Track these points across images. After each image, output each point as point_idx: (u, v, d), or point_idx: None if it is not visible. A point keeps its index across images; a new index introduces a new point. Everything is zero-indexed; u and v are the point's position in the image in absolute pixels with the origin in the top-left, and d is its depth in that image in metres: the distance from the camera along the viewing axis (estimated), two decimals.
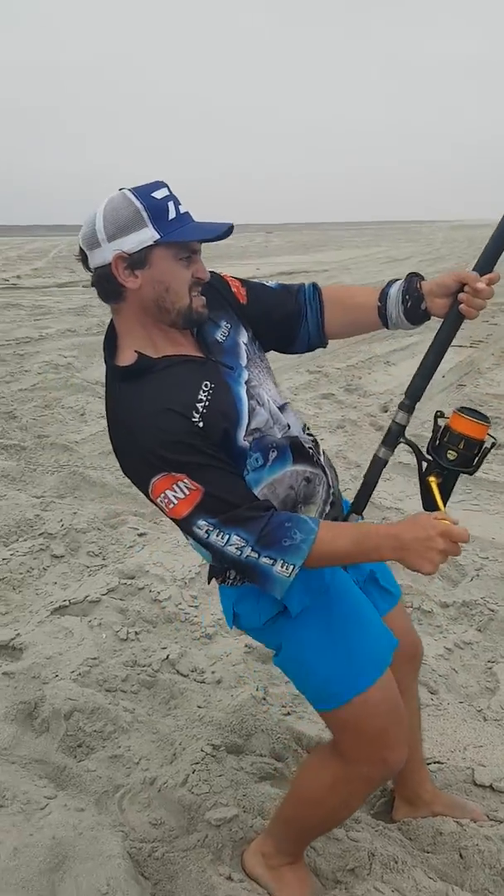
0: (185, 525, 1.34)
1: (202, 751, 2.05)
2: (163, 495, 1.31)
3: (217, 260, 19.84)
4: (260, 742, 2.15)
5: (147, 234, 1.29)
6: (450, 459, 1.37)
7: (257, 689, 2.33)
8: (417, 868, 1.73)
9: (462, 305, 1.40)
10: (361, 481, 1.51)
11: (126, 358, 1.38)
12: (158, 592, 2.88)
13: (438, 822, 1.86)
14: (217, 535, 1.31)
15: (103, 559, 3.25)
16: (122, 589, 2.92)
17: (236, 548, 1.31)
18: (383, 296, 1.50)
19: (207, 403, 1.32)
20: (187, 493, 1.29)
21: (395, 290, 1.49)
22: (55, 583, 3.04)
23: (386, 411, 5.70)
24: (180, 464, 1.28)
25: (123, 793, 1.95)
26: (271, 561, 1.31)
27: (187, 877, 1.70)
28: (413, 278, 1.49)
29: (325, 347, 1.66)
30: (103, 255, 1.31)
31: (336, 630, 1.46)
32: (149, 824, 1.85)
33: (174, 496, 1.30)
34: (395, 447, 1.48)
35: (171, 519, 1.35)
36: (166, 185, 1.34)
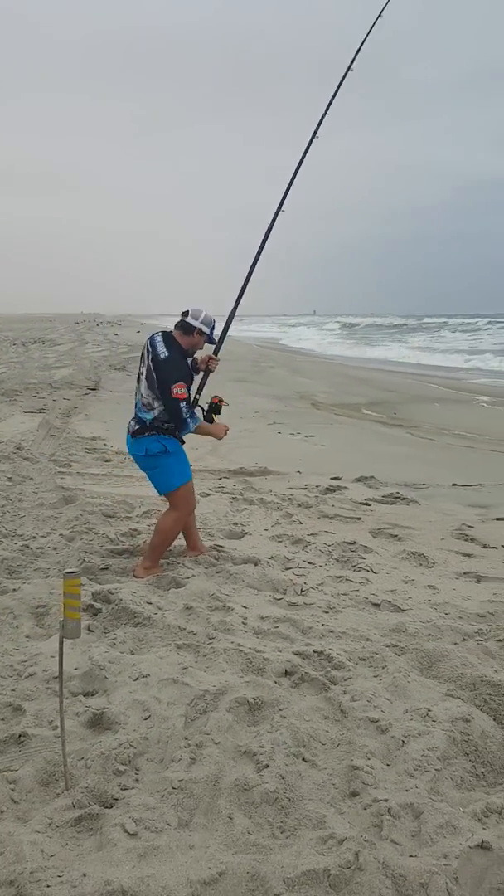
0: (178, 398, 3.68)
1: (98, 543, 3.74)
2: (178, 389, 3.69)
3: None
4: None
5: (207, 330, 3.87)
6: (213, 407, 3.76)
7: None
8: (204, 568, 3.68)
9: (210, 367, 3.76)
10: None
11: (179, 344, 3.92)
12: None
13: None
14: (184, 406, 3.73)
15: None
16: None
17: (183, 412, 3.71)
18: None
19: (188, 372, 3.88)
20: (183, 390, 3.73)
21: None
22: None
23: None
24: (182, 379, 3.78)
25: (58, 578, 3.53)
26: (190, 420, 3.78)
27: (121, 585, 3.41)
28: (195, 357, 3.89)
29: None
30: (192, 323, 3.83)
31: (181, 460, 3.75)
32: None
33: (180, 390, 3.70)
34: (195, 405, 3.75)
35: (175, 398, 3.67)
36: (214, 319, 3.90)
